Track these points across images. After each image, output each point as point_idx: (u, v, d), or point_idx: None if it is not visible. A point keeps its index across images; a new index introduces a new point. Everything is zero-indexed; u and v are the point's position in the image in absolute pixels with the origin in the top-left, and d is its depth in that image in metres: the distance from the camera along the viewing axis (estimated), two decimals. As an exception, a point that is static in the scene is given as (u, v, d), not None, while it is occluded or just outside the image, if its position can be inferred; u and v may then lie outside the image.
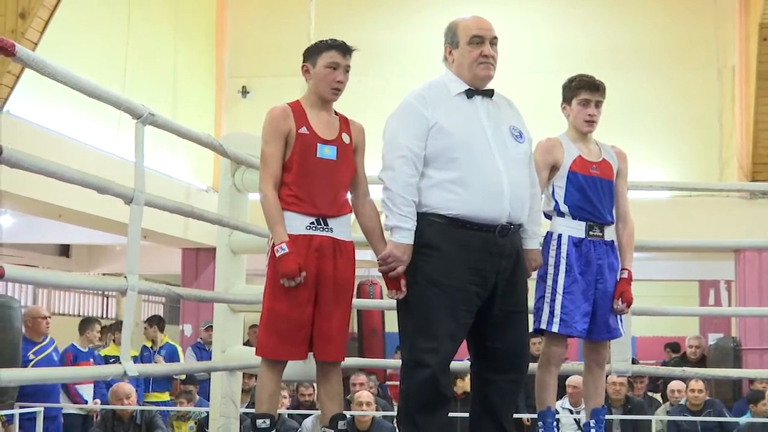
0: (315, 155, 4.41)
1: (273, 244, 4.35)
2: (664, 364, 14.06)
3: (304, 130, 4.42)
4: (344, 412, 4.64)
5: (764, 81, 13.91)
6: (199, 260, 15.09)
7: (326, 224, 4.42)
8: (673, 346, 16.13)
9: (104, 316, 22.02)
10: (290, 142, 4.41)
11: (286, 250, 4.28)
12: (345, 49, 4.51)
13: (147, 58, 13.77)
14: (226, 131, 15.07)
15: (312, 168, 4.41)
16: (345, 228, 4.50)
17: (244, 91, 15.78)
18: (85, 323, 11.24)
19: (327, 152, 4.43)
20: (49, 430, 9.96)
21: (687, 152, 14.92)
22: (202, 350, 12.78)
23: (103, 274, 18.38)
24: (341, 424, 4.53)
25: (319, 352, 4.48)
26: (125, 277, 4.44)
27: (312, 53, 4.51)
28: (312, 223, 4.39)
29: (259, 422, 4.44)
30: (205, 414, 9.08)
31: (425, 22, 13.82)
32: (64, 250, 18.24)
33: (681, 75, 15.01)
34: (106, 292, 22.12)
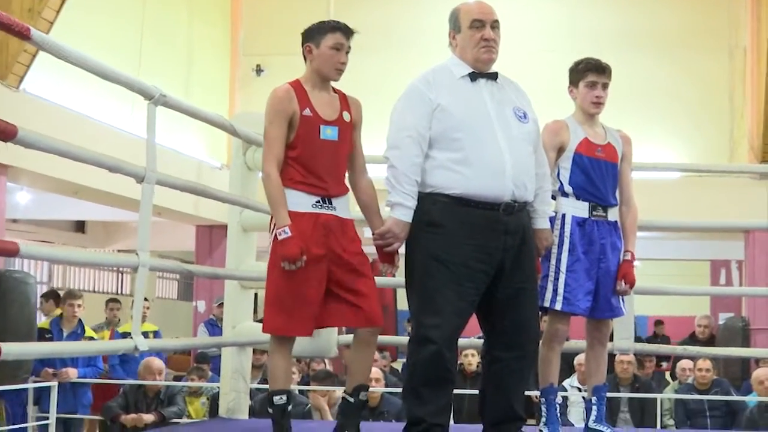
0: (318, 137, 4.45)
1: (275, 225, 4.38)
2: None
3: (307, 112, 4.45)
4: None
5: (775, 61, 13.94)
6: (212, 237, 15.19)
7: (331, 203, 4.46)
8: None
9: (119, 292, 22.18)
10: (294, 124, 4.44)
11: (289, 234, 4.30)
12: (348, 31, 4.54)
13: (162, 36, 13.85)
14: (240, 109, 15.17)
15: (316, 149, 4.45)
16: (346, 207, 4.55)
17: (258, 70, 15.84)
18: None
19: (329, 133, 4.47)
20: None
21: (698, 133, 14.96)
22: (215, 327, 12.85)
23: (118, 251, 18.52)
24: (363, 395, 4.55)
25: (351, 320, 4.50)
26: (137, 254, 4.54)
27: (315, 34, 4.53)
28: (318, 201, 4.43)
29: (276, 399, 4.47)
30: (217, 390, 9.19)
31: (443, 2, 13.89)
32: (80, 227, 18.37)
33: (692, 56, 15.04)
34: (120, 269, 22.26)
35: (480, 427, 4.69)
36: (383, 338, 9.75)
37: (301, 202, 4.42)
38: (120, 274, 22.80)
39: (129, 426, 9.77)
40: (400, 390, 9.36)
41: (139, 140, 10.19)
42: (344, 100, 4.62)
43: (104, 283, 22.25)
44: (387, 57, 14.50)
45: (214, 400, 9.84)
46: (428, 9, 14.82)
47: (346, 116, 4.58)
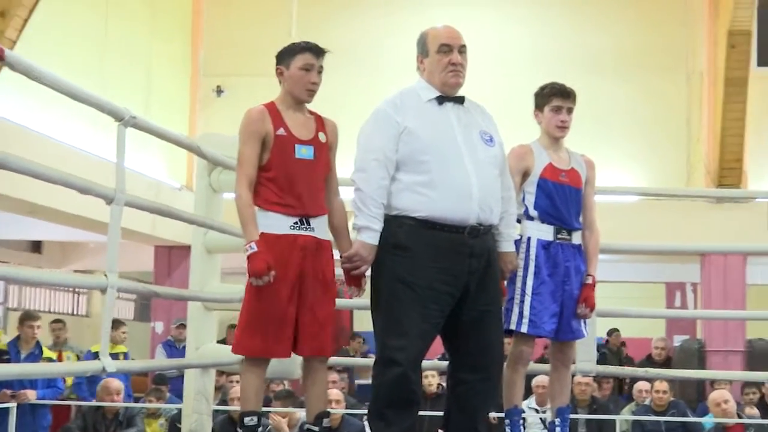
0: (293, 156, 4.46)
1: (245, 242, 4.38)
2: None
3: (281, 131, 4.47)
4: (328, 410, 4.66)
5: (732, 87, 14.12)
6: (171, 258, 15.13)
7: (309, 224, 4.47)
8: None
9: (75, 312, 21.99)
10: (268, 144, 4.45)
11: (255, 249, 4.30)
12: (318, 51, 4.56)
13: (123, 54, 13.79)
14: (201, 130, 15.13)
15: (291, 169, 4.46)
16: (324, 227, 4.56)
17: (219, 90, 15.83)
18: None
19: (305, 152, 4.49)
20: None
21: (655, 156, 15.12)
22: (173, 348, 12.81)
23: (75, 271, 18.37)
24: (326, 422, 4.56)
25: (306, 349, 4.51)
26: (105, 275, 4.53)
27: (286, 55, 4.55)
28: (296, 222, 4.44)
29: (247, 420, 4.47)
30: (177, 411, 9.15)
31: (407, 24, 13.93)
32: (36, 247, 18.22)
33: (650, 79, 15.21)
34: (76, 289, 22.05)
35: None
36: (340, 360, 9.83)
37: (278, 224, 4.44)
38: (75, 295, 22.59)
39: (87, 448, 9.70)
40: (360, 411, 9.41)
41: (100, 161, 10.19)
42: (320, 122, 4.64)
43: (60, 304, 22.03)
44: (350, 76, 14.50)
45: (172, 422, 9.79)
46: (391, 29, 14.90)
47: (322, 137, 4.59)
